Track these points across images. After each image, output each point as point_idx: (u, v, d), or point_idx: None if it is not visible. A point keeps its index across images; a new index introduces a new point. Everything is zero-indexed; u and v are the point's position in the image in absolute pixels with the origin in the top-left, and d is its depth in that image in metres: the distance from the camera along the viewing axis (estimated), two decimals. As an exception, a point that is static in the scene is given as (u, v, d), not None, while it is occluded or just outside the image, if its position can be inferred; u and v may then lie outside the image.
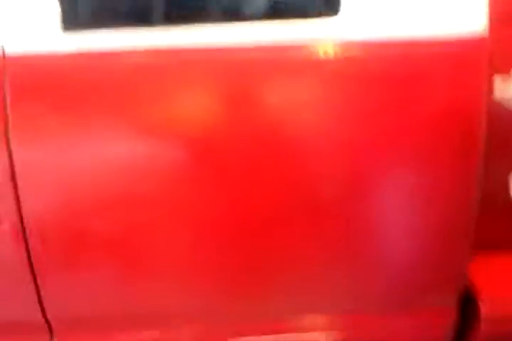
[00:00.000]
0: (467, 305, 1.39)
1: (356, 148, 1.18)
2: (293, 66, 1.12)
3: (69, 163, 1.14)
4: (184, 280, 1.28)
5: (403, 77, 1.14)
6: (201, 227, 1.22)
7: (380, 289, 1.35)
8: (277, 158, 1.17)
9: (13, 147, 1.10)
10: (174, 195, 1.19)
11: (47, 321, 1.29)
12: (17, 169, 1.11)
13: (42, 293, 1.24)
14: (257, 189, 1.18)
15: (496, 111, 1.14)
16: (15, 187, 1.13)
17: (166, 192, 1.18)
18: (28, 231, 1.17)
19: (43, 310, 1.27)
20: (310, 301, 1.33)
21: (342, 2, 1.08)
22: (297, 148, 1.17)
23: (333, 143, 1.18)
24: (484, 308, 1.36)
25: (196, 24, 1.09)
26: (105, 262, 1.23)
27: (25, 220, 1.16)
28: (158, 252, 1.22)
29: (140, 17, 1.12)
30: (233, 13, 1.12)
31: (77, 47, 1.08)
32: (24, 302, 1.26)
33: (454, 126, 1.18)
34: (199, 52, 1.10)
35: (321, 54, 1.10)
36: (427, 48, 1.11)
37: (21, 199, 1.13)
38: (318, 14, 1.09)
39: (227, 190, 1.19)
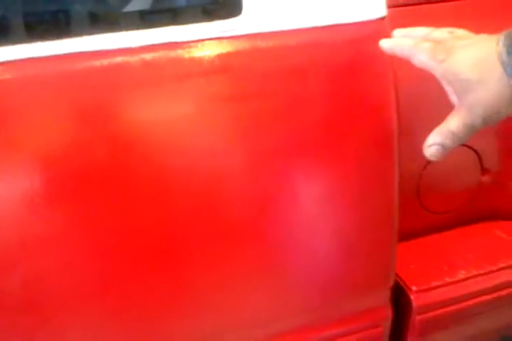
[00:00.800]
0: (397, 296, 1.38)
1: (260, 153, 1.11)
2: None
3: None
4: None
5: (302, 66, 1.09)
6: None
7: (310, 299, 1.29)
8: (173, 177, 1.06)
9: None
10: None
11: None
12: None
13: None
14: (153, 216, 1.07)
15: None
16: None
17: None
18: None
19: None
20: (235, 319, 1.25)
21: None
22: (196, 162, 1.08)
23: (233, 151, 1.10)
24: (415, 298, 1.35)
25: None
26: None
27: None
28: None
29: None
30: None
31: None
32: None
33: (364, 114, 1.15)
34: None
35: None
36: (323, 35, 1.07)
37: None
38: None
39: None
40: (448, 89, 0.93)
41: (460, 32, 0.94)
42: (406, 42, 0.94)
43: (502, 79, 0.81)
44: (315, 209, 1.21)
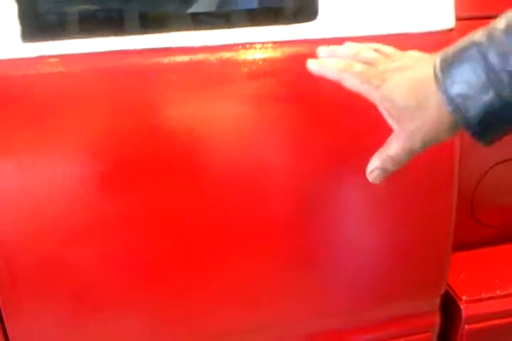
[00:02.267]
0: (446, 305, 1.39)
1: (309, 152, 1.15)
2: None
3: (38, 183, 1.03)
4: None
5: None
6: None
7: (359, 299, 1.31)
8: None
9: None
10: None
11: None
12: None
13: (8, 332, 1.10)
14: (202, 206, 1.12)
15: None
16: None
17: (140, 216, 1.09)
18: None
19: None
20: (281, 314, 1.27)
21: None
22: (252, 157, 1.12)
23: (281, 148, 1.14)
24: (466, 309, 1.36)
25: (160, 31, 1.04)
26: (77, 297, 1.11)
27: None
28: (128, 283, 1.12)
29: (100, 26, 1.06)
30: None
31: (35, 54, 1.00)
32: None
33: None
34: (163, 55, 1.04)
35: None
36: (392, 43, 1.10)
37: None
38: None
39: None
40: (384, 113, 0.87)
41: (387, 49, 0.91)
42: (335, 64, 0.89)
43: (441, 105, 0.79)
44: (368, 210, 1.24)
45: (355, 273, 1.28)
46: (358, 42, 1.04)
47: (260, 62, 1.08)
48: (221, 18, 1.08)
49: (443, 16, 1.11)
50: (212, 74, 1.07)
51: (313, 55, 1.05)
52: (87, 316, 1.12)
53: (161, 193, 1.09)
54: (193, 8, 1.09)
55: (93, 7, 1.06)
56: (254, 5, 1.14)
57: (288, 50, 1.08)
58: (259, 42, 1.07)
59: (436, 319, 1.37)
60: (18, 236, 1.05)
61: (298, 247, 1.21)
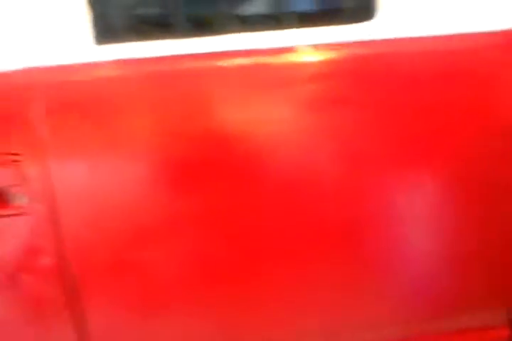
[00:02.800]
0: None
1: (364, 159, 1.13)
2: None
3: (108, 183, 1.08)
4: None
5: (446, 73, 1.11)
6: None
7: (423, 309, 1.27)
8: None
9: (51, 170, 1.04)
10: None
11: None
12: (57, 194, 1.05)
13: (85, 333, 1.14)
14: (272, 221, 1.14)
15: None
16: (55, 216, 1.06)
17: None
18: (71, 266, 1.08)
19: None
20: (347, 319, 1.26)
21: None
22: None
23: (335, 153, 1.13)
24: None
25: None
26: (145, 296, 1.14)
27: (67, 252, 1.08)
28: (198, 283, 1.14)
29: (168, 29, 1.10)
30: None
31: (107, 57, 1.05)
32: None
33: (491, 125, 1.15)
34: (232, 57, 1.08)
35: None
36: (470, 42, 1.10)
37: (62, 228, 1.06)
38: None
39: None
40: None
41: None
42: None
43: None
44: (430, 218, 1.21)
45: (417, 281, 1.25)
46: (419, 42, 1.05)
47: (319, 64, 1.09)
48: (280, 20, 1.10)
49: (506, 14, 1.09)
50: (271, 77, 1.09)
51: (372, 56, 1.06)
52: (154, 315, 1.15)
53: (223, 194, 1.10)
54: (252, 11, 1.12)
55: (161, 11, 1.11)
56: (312, 6, 1.16)
57: (347, 51, 1.09)
58: (317, 43, 1.08)
59: (505, 333, 1.31)
60: (90, 236, 1.09)
61: (358, 255, 1.20)
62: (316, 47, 1.08)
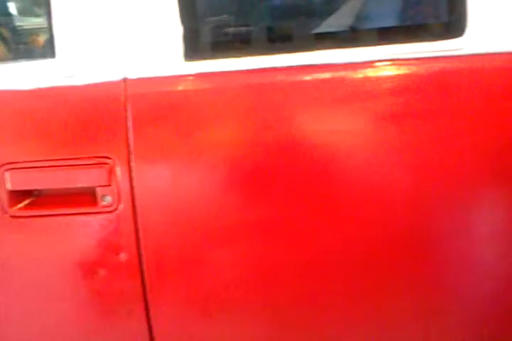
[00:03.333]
0: None
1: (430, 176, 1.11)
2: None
3: (188, 189, 1.13)
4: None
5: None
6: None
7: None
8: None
9: (135, 173, 1.11)
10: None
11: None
12: (137, 196, 1.12)
13: (154, 329, 1.20)
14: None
15: None
16: (135, 215, 1.13)
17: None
18: (144, 263, 1.14)
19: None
20: None
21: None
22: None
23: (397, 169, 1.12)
24: None
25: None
26: (223, 299, 1.18)
27: (143, 251, 1.14)
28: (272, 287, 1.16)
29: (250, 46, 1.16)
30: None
31: (195, 71, 1.12)
32: (134, 336, 1.21)
33: None
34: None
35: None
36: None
37: (140, 228, 1.13)
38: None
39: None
40: None
41: None
42: None
43: None
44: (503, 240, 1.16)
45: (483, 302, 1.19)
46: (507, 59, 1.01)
47: (401, 79, 1.09)
48: (363, 35, 1.11)
49: None
50: (353, 91, 1.11)
51: (458, 72, 1.04)
52: (218, 313, 1.18)
53: (297, 203, 1.13)
54: (336, 27, 1.14)
55: (245, 29, 1.16)
56: (400, 22, 1.16)
57: (432, 67, 1.08)
58: (402, 58, 1.08)
59: None
60: (168, 236, 1.15)
61: (427, 272, 1.17)
62: (395, 62, 1.08)
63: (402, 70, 1.08)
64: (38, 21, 1.52)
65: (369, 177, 1.12)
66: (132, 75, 1.12)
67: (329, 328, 1.20)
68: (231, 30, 1.18)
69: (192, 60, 1.12)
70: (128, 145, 1.10)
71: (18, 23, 1.68)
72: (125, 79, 1.12)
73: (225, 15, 1.18)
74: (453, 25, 1.06)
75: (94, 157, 1.13)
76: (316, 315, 1.18)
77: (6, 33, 1.54)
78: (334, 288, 1.16)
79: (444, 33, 1.06)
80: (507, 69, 1.06)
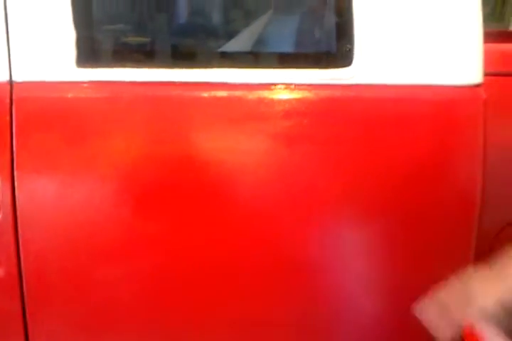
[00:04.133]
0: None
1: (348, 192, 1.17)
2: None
3: (74, 201, 1.08)
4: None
5: (398, 119, 1.17)
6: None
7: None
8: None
9: (17, 181, 1.05)
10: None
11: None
12: (19, 207, 1.05)
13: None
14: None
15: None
16: (15, 227, 1.06)
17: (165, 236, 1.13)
18: (24, 277, 1.08)
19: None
20: None
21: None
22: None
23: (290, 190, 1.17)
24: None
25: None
26: (97, 313, 1.12)
27: (22, 265, 1.08)
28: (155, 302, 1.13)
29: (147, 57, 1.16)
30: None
31: (87, 79, 1.08)
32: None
33: (448, 176, 1.21)
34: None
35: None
36: (420, 93, 1.15)
37: (21, 241, 1.07)
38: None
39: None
40: None
41: None
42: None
43: None
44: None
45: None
46: (389, 91, 1.11)
47: (294, 103, 1.14)
48: (262, 58, 1.15)
49: (471, 71, 1.17)
50: (248, 111, 1.13)
51: (345, 99, 1.11)
52: (101, 334, 1.13)
53: (187, 219, 1.12)
54: (236, 47, 1.17)
55: (143, 39, 1.15)
56: (296, 48, 1.22)
57: (322, 93, 1.14)
58: (295, 83, 1.13)
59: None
60: (51, 250, 1.09)
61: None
62: (290, 86, 1.13)
63: (294, 94, 1.14)
64: None
65: (257, 195, 1.15)
66: (19, 78, 1.05)
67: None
68: (129, 40, 1.16)
69: (85, 67, 1.08)
70: (11, 152, 1.03)
71: None
72: (11, 82, 1.05)
73: (122, 25, 1.15)
74: (342, 55, 1.14)
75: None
76: (207, 332, 1.17)
77: None
78: (225, 311, 1.17)
79: (334, 62, 1.13)
80: (388, 100, 1.16)
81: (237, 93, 1.12)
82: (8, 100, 1.04)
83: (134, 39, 1.15)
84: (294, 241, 1.18)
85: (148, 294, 1.14)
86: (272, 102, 1.13)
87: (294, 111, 1.14)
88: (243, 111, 1.13)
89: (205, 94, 1.12)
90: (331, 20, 1.16)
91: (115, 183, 1.11)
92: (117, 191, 1.11)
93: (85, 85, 1.08)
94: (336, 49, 1.16)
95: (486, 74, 1.17)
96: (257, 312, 1.18)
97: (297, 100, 1.14)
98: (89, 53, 1.10)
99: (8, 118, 1.04)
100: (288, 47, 1.20)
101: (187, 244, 1.13)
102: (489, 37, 1.18)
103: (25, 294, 1.10)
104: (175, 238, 1.13)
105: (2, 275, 1.08)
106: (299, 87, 1.13)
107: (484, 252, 1.39)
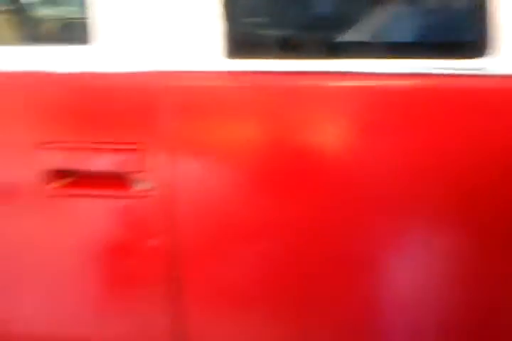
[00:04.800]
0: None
1: None
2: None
3: (219, 183, 1.20)
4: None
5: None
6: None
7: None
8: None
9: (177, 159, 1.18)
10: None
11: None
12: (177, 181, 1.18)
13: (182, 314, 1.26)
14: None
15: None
16: (173, 201, 1.19)
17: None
18: (175, 249, 1.21)
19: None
20: None
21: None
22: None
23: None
24: None
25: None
26: (255, 291, 1.24)
27: (177, 238, 1.21)
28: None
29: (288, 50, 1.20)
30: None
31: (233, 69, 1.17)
32: (157, 321, 1.28)
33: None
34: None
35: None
36: None
37: (177, 215, 1.20)
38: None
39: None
40: None
41: None
42: None
43: None
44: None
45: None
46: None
47: (432, 92, 1.12)
48: (395, 47, 1.15)
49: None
50: (375, 101, 1.14)
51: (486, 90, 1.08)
52: (241, 305, 1.26)
53: (316, 203, 1.18)
54: (364, 37, 1.18)
55: (286, 32, 1.21)
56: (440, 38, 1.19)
57: (458, 83, 1.11)
58: (430, 73, 1.11)
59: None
60: (198, 224, 1.22)
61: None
62: (429, 76, 1.12)
63: (434, 83, 1.12)
64: None
65: (385, 184, 1.17)
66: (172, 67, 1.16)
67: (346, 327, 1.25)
68: (269, 32, 1.22)
69: (231, 58, 1.15)
70: (167, 135, 1.16)
71: None
72: (166, 71, 1.16)
73: (261, 18, 1.22)
74: (484, 44, 1.09)
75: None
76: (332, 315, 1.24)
77: None
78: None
79: (472, 52, 1.09)
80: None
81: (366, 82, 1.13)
82: (160, 88, 1.16)
83: (274, 31, 1.22)
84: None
85: (275, 271, 1.22)
86: (397, 92, 1.13)
87: (419, 102, 1.12)
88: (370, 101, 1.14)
89: (347, 84, 1.14)
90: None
91: (253, 168, 1.20)
92: (255, 174, 1.20)
93: (232, 75, 1.17)
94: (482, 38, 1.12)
95: None
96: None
97: (435, 90, 1.12)
98: (235, 45, 1.18)
99: (159, 104, 1.16)
100: (429, 36, 1.18)
101: (316, 226, 1.19)
102: None
103: (177, 263, 1.23)
104: (301, 219, 1.18)
105: (157, 245, 1.22)
106: (436, 77, 1.11)
107: None
